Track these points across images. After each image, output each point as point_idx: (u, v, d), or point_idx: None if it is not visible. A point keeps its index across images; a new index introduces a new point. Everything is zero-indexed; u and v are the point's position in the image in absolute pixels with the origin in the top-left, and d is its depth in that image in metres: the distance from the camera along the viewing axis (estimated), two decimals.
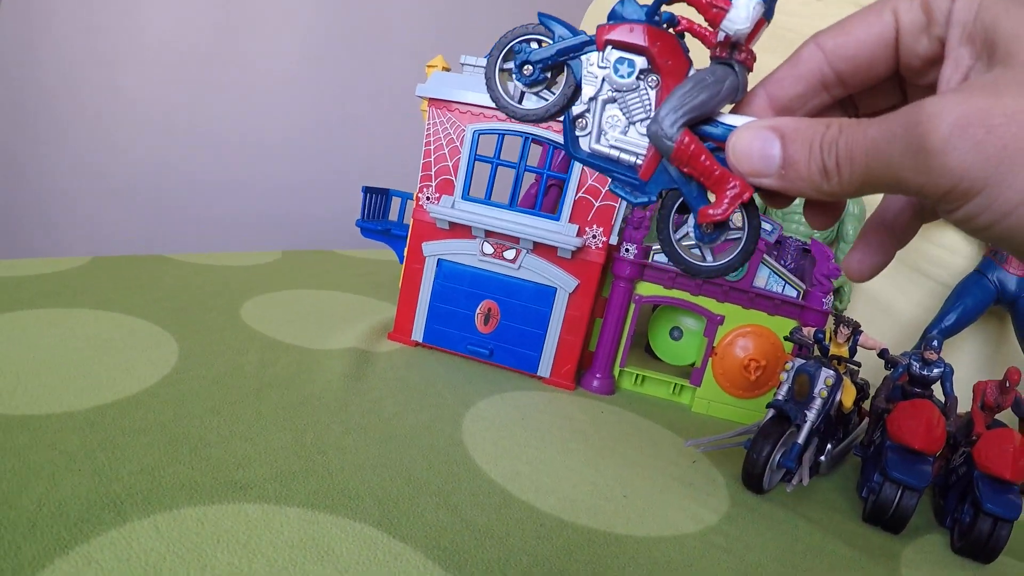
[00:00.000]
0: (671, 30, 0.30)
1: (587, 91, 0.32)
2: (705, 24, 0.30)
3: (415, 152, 0.82)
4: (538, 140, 0.78)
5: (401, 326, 0.87)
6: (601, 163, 0.33)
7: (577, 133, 0.33)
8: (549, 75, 0.34)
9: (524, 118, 0.35)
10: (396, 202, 1.07)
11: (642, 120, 0.31)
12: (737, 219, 0.31)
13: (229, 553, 0.42)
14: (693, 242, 0.32)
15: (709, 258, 0.32)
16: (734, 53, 0.29)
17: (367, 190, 0.98)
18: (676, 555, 0.52)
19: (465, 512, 0.51)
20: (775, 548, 0.56)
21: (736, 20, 0.28)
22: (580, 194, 0.77)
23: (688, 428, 0.78)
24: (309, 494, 0.49)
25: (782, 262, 0.87)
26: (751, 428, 0.68)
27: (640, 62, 0.31)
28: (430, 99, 0.81)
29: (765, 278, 0.81)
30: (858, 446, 0.75)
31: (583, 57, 0.32)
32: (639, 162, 0.32)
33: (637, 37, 0.30)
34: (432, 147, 0.81)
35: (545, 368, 0.82)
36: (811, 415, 0.64)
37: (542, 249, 0.79)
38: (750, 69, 0.30)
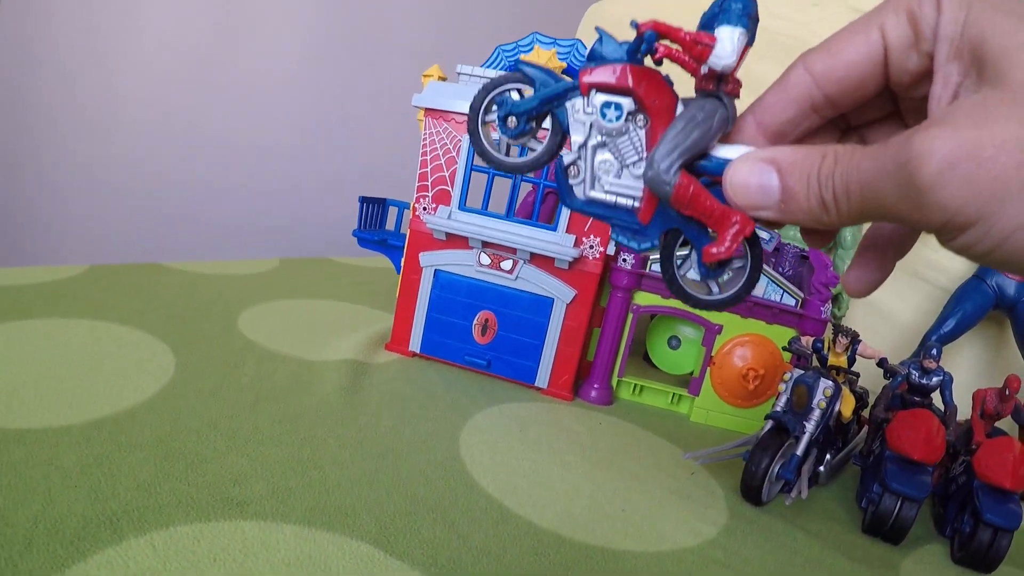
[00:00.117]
0: (651, 58, 0.29)
1: (576, 138, 0.31)
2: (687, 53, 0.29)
3: (413, 157, 0.82)
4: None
5: (398, 336, 0.87)
6: (598, 210, 0.32)
7: (570, 182, 0.32)
8: (534, 124, 0.33)
9: (513, 170, 0.34)
10: (393, 212, 1.07)
11: (635, 163, 0.31)
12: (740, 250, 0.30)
13: (225, 572, 0.41)
14: (698, 277, 0.32)
15: (715, 290, 0.32)
16: (721, 85, 0.29)
17: (364, 200, 0.98)
18: (675, 570, 0.52)
19: (462, 528, 0.51)
20: (774, 562, 0.56)
21: (723, 55, 0.28)
22: None
23: (687, 438, 0.78)
24: (306, 511, 0.49)
25: (780, 269, 0.87)
26: (749, 439, 0.68)
27: (627, 104, 0.30)
28: (426, 109, 0.81)
29: (763, 287, 0.80)
30: (857, 455, 0.75)
31: (568, 104, 0.31)
32: (637, 205, 0.31)
33: (621, 79, 0.29)
34: (429, 157, 0.81)
35: (543, 379, 0.82)
36: (810, 426, 0.64)
37: (539, 260, 0.79)
38: (737, 96, 0.30)
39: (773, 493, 0.65)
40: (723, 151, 0.29)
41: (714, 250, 0.29)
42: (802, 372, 0.67)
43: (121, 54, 1.83)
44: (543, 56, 0.77)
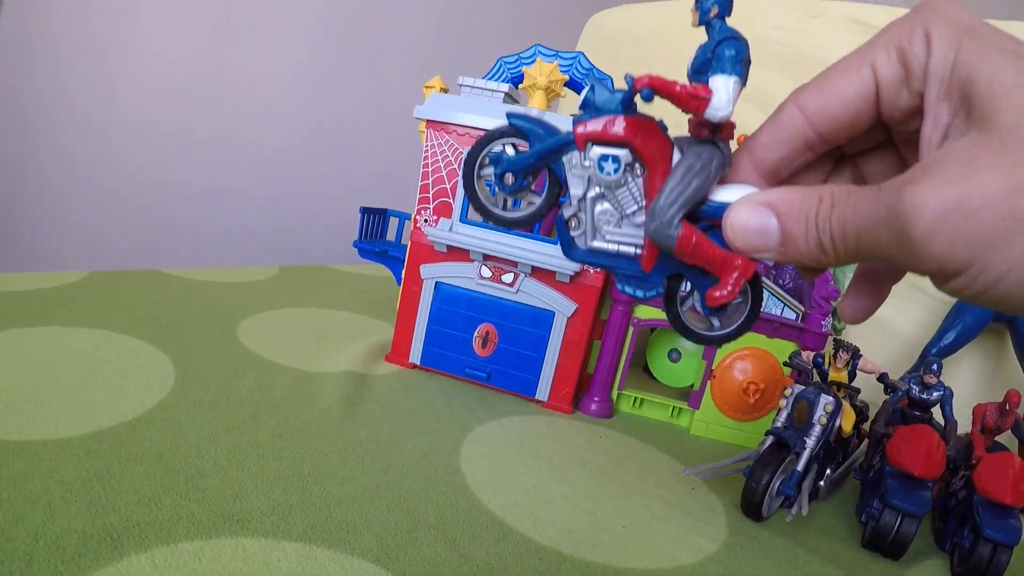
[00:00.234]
0: (643, 92, 0.29)
1: (575, 191, 0.31)
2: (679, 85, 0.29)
3: (413, 163, 0.82)
4: None
5: (399, 348, 0.87)
6: (601, 260, 0.32)
7: (571, 234, 0.32)
8: (531, 179, 0.33)
9: (513, 224, 0.34)
10: (393, 222, 1.07)
11: (635, 212, 0.31)
12: None
13: None
14: (700, 314, 0.32)
15: (717, 324, 0.32)
16: (717, 132, 0.29)
17: (364, 211, 0.98)
18: None
19: (464, 546, 0.51)
20: None
21: (719, 107, 0.28)
22: None
23: (687, 452, 0.78)
24: (307, 528, 0.49)
25: (780, 282, 0.87)
26: (749, 455, 0.68)
27: (624, 155, 0.29)
28: (428, 121, 0.81)
29: (764, 300, 0.80)
30: (857, 469, 0.75)
31: (564, 158, 0.31)
32: (639, 252, 0.31)
33: (617, 131, 0.29)
34: (430, 169, 0.81)
35: (543, 392, 0.82)
36: (810, 442, 0.64)
37: (540, 273, 0.79)
38: (732, 138, 0.30)
39: (773, 508, 0.65)
40: (721, 194, 0.29)
41: (717, 294, 0.29)
42: (803, 388, 0.67)
43: (121, 59, 1.83)
44: (546, 69, 0.78)
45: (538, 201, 0.33)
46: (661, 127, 0.30)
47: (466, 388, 0.84)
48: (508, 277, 0.80)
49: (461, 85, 0.81)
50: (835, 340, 0.72)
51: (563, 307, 0.79)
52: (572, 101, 0.91)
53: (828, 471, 0.69)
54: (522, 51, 0.81)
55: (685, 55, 0.29)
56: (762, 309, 0.79)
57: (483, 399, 0.81)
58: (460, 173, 0.34)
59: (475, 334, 0.83)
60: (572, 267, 0.76)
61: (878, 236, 0.24)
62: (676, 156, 0.29)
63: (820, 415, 0.64)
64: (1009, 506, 0.61)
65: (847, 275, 1.01)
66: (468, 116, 0.78)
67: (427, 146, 0.81)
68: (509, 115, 0.32)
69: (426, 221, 0.82)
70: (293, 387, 0.73)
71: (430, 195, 0.81)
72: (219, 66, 1.88)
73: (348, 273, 1.35)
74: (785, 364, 0.73)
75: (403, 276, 0.85)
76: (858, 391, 0.72)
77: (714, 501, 0.67)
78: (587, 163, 0.30)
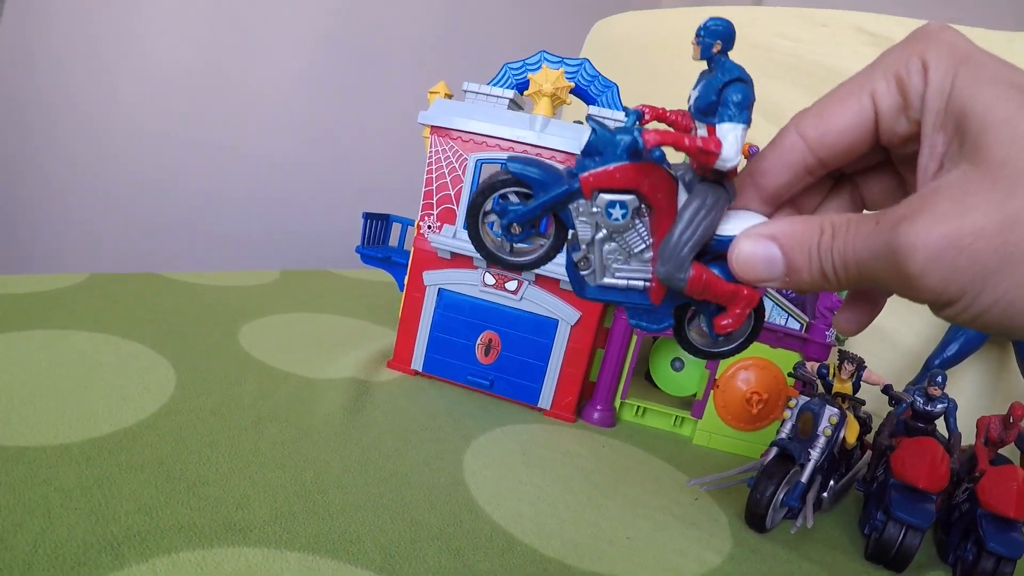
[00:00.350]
0: (654, 152, 0.29)
1: (583, 235, 0.31)
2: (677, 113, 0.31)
3: (416, 168, 0.82)
4: None
5: (401, 355, 0.86)
6: (611, 296, 0.33)
7: (582, 273, 0.33)
8: (537, 227, 0.33)
9: (521, 268, 0.35)
10: (396, 227, 1.07)
11: (642, 250, 0.31)
12: None
13: None
14: (704, 330, 0.33)
15: (720, 339, 0.33)
16: (724, 175, 0.29)
17: (367, 216, 0.98)
18: None
19: (468, 557, 0.50)
20: None
21: (728, 158, 0.28)
22: None
23: (690, 462, 0.78)
24: (310, 537, 0.48)
25: (784, 292, 0.87)
26: (753, 465, 0.67)
27: (631, 201, 0.30)
28: (432, 126, 0.80)
29: (769, 311, 0.80)
30: (860, 481, 0.74)
31: (571, 206, 0.31)
32: (648, 285, 0.32)
33: (625, 179, 0.29)
34: (434, 175, 0.81)
35: (546, 400, 0.82)
36: (815, 454, 0.64)
37: (544, 281, 0.79)
38: (735, 176, 0.30)
39: (777, 520, 0.65)
40: (725, 226, 0.30)
41: (724, 322, 0.31)
42: (808, 399, 0.67)
43: (121, 59, 1.83)
44: (551, 75, 0.77)
45: (546, 244, 0.34)
46: (664, 166, 0.30)
47: (468, 396, 0.83)
48: (512, 284, 0.79)
49: (466, 91, 0.80)
50: (840, 351, 0.72)
51: (567, 315, 0.79)
52: (577, 108, 0.91)
53: (831, 483, 0.69)
54: (527, 57, 0.81)
55: (688, 62, 0.29)
56: (766, 320, 0.79)
57: (485, 407, 0.81)
58: (464, 222, 0.34)
59: (478, 341, 0.82)
60: None
61: (876, 268, 0.25)
62: (681, 192, 0.30)
63: (825, 426, 0.64)
64: (1013, 519, 0.61)
65: None
66: (473, 122, 0.78)
67: (431, 152, 0.81)
68: (510, 163, 0.32)
69: (430, 227, 0.82)
70: (295, 393, 0.73)
71: (434, 201, 0.81)
72: (221, 67, 1.88)
73: (349, 278, 1.34)
74: (789, 375, 0.73)
75: (406, 282, 0.85)
76: (863, 403, 0.72)
77: (718, 512, 0.66)
78: (595, 209, 0.30)
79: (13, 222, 1.88)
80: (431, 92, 0.85)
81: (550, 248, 0.33)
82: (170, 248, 1.93)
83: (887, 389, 0.72)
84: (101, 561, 0.42)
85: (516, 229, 0.32)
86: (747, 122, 0.28)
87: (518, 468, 0.67)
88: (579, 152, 0.31)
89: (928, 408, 0.72)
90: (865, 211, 0.33)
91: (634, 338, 0.82)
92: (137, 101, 1.86)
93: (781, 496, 0.63)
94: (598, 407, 0.83)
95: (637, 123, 0.30)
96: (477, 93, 0.80)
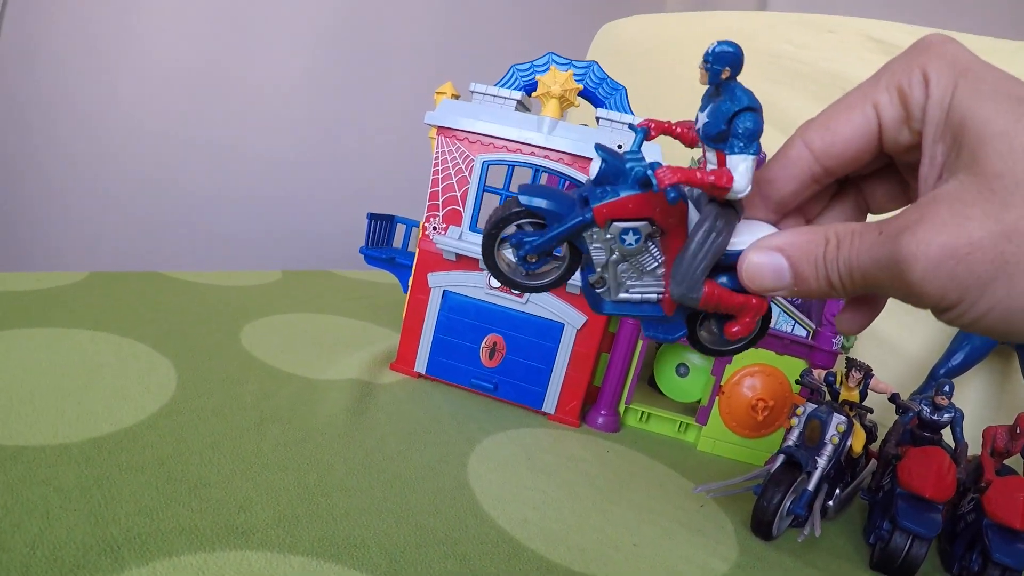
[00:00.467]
0: (669, 193, 0.30)
1: (598, 259, 0.33)
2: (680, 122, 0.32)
3: (420, 167, 0.81)
4: (549, 173, 0.77)
5: (404, 357, 0.85)
6: (626, 309, 0.34)
7: (598, 291, 0.34)
8: (552, 255, 0.35)
9: (537, 290, 0.36)
10: (400, 228, 1.06)
11: (655, 267, 0.33)
12: None
13: None
14: (714, 331, 0.35)
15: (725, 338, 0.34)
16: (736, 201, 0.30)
17: (372, 217, 0.97)
18: None
19: (474, 562, 0.50)
20: None
21: (740, 190, 0.29)
22: None
23: (695, 468, 0.77)
24: (313, 541, 0.48)
25: (791, 299, 0.87)
26: (759, 473, 0.67)
27: (644, 227, 0.31)
28: (438, 127, 0.80)
29: (775, 317, 0.80)
30: (865, 490, 0.74)
31: (585, 234, 0.32)
32: (661, 295, 0.33)
33: (638, 209, 0.31)
34: (440, 176, 0.80)
35: (550, 404, 0.81)
36: (822, 462, 0.63)
37: None
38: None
39: (783, 528, 0.64)
40: (734, 238, 0.31)
41: (735, 328, 0.32)
42: (815, 406, 0.66)
43: (121, 59, 1.82)
44: (560, 78, 0.77)
45: (561, 267, 0.35)
46: None
47: (472, 399, 0.83)
48: None
49: (473, 92, 0.80)
50: (848, 359, 0.71)
51: (573, 319, 0.78)
52: (585, 111, 0.91)
53: (837, 491, 0.69)
54: (535, 59, 0.81)
55: (691, 67, 0.30)
56: (773, 326, 0.78)
57: (489, 410, 0.80)
58: (480, 251, 0.35)
59: (482, 344, 0.82)
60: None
61: (880, 276, 0.26)
62: (690, 209, 0.31)
63: (832, 434, 0.64)
64: (1019, 530, 0.61)
65: None
66: (480, 123, 0.77)
67: (437, 152, 0.80)
68: (520, 195, 0.33)
69: (435, 229, 0.81)
70: (297, 394, 0.72)
71: (439, 202, 0.80)
72: (222, 66, 1.87)
73: (351, 279, 1.34)
74: (797, 382, 0.73)
75: (410, 284, 0.84)
76: (870, 411, 0.72)
77: (724, 519, 0.66)
78: (608, 236, 0.32)
79: (13, 220, 1.87)
80: (438, 92, 0.85)
81: (565, 270, 0.35)
82: (170, 248, 1.92)
83: (894, 398, 0.72)
84: (100, 563, 0.41)
85: (533, 258, 0.34)
86: (757, 152, 0.29)
87: (523, 472, 0.66)
88: (589, 180, 0.32)
89: (935, 417, 0.71)
90: (869, 215, 0.34)
91: (639, 343, 0.82)
92: (137, 100, 1.85)
93: (788, 504, 0.63)
94: (602, 412, 0.83)
95: (644, 140, 0.31)
96: (484, 94, 0.79)
